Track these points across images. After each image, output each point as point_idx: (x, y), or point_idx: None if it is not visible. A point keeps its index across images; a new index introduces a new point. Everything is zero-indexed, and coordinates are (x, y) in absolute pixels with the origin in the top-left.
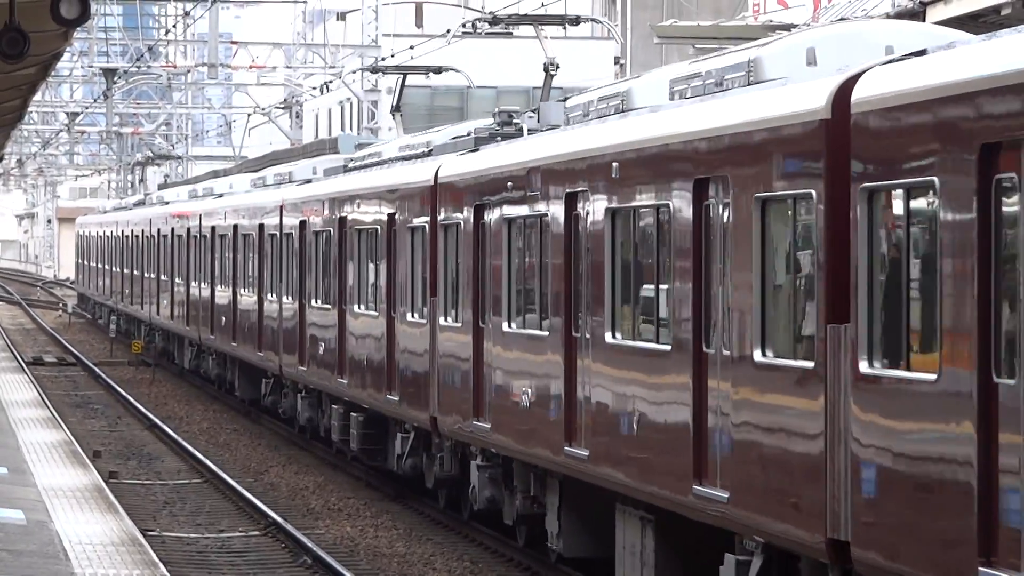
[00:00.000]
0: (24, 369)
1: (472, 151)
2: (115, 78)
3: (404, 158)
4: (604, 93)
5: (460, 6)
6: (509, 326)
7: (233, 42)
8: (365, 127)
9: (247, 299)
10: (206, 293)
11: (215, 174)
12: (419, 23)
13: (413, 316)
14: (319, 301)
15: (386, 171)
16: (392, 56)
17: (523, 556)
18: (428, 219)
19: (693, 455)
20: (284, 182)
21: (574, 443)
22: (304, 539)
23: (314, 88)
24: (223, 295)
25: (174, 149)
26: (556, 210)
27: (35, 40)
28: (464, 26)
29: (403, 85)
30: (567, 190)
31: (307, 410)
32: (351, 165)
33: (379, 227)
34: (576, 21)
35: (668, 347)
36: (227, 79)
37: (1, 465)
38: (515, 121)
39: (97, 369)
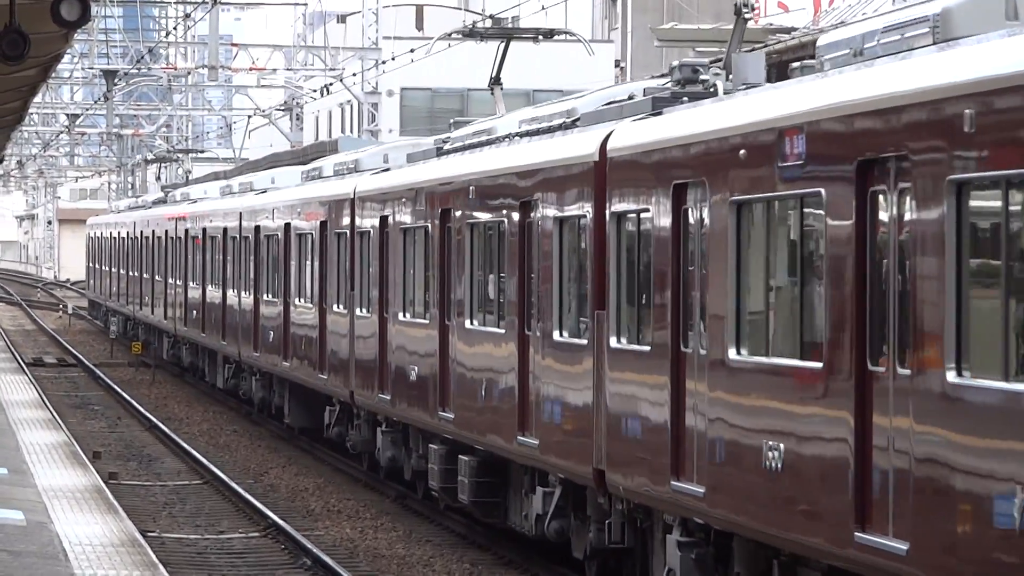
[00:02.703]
0: (24, 370)
1: (653, 114)
2: (115, 80)
3: (532, 133)
4: (894, 20)
5: (460, 8)
6: (738, 354)
7: (233, 44)
8: (365, 129)
9: (304, 311)
10: (248, 302)
11: (216, 176)
12: (419, 26)
13: (563, 336)
14: (408, 315)
15: (507, 150)
16: (393, 58)
17: (523, 558)
18: (590, 208)
19: None
20: (350, 172)
21: (871, 528)
22: (304, 540)
23: (314, 90)
24: (271, 305)
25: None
26: (838, 187)
27: (35, 42)
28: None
29: (505, 53)
30: (859, 158)
31: (390, 448)
32: (448, 147)
33: (504, 220)
34: None
35: None
36: (227, 81)
37: (1, 466)
38: (703, 78)
39: (97, 370)
